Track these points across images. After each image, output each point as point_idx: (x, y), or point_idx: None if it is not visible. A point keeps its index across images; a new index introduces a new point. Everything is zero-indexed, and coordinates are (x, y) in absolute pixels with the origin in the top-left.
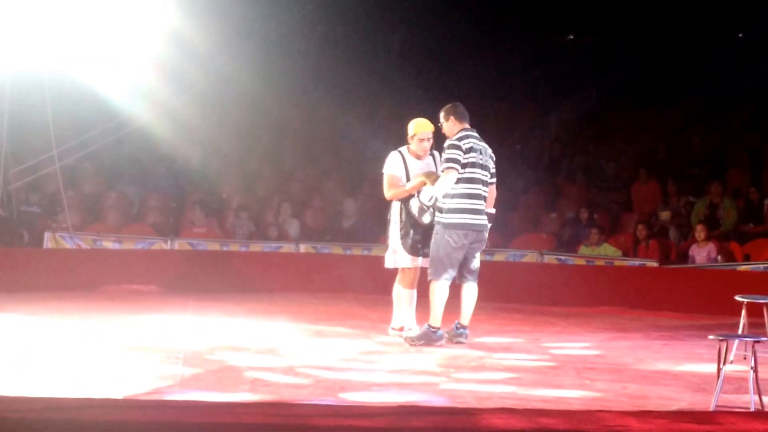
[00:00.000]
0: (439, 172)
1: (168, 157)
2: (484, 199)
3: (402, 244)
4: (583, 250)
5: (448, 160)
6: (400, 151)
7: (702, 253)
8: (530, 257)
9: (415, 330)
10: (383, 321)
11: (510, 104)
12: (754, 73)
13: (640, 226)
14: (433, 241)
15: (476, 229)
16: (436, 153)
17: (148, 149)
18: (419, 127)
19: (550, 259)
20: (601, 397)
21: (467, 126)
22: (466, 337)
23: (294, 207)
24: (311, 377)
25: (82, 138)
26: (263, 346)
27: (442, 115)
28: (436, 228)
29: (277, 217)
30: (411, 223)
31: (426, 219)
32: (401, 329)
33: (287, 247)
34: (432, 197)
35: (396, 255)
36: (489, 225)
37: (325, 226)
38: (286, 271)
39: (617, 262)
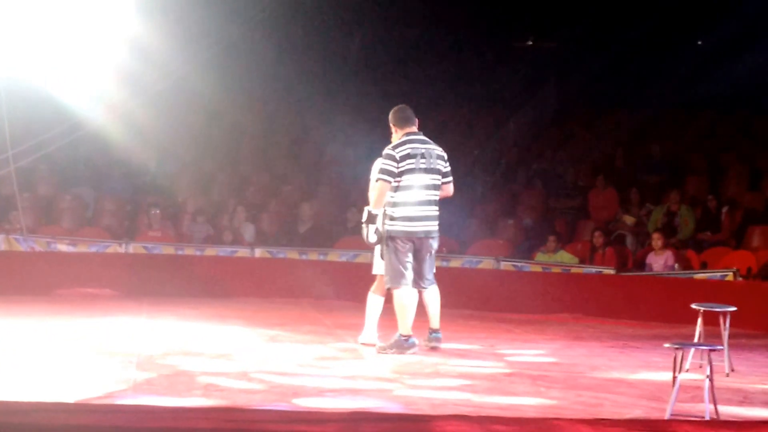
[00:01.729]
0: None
1: (123, 160)
2: (432, 203)
3: (378, 250)
4: (539, 257)
5: (380, 171)
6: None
7: (659, 260)
8: (487, 263)
9: (369, 338)
10: (338, 326)
11: (468, 110)
12: (713, 81)
13: (596, 233)
14: (383, 251)
15: (418, 236)
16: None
17: (104, 152)
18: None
19: (506, 265)
20: (556, 404)
21: (411, 129)
22: (439, 340)
23: (249, 211)
24: (265, 383)
25: (37, 140)
26: (217, 350)
27: (390, 123)
28: (385, 237)
29: (232, 221)
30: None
31: (371, 239)
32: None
33: (242, 252)
34: (365, 213)
35: (377, 261)
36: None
37: (281, 231)
38: (242, 275)
39: (574, 270)
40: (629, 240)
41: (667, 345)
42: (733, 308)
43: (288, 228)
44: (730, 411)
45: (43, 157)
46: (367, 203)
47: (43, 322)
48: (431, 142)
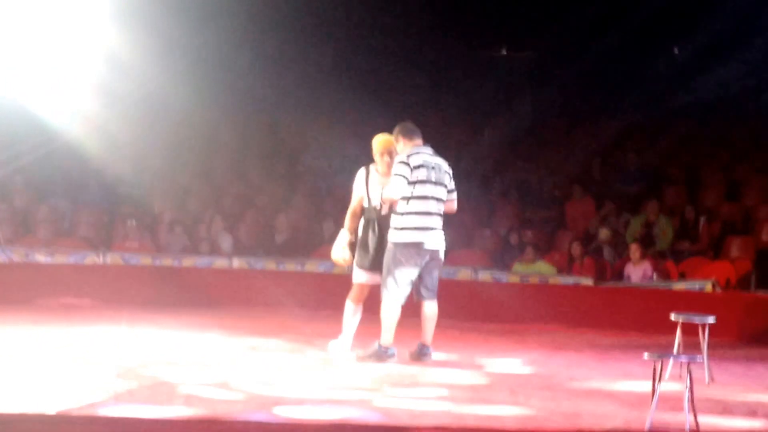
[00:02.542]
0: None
1: (99, 170)
2: (440, 216)
3: (357, 259)
4: (517, 267)
5: (395, 174)
6: (367, 168)
7: (637, 271)
8: (464, 273)
9: (340, 345)
10: (318, 336)
11: (443, 120)
12: (690, 90)
13: (574, 244)
14: (385, 259)
15: (428, 247)
16: None
17: (79, 163)
18: (382, 145)
19: (484, 275)
20: (535, 414)
21: (419, 143)
22: (429, 356)
23: (226, 221)
24: (245, 392)
25: (12, 152)
26: (197, 360)
27: (393, 137)
28: (388, 246)
29: (209, 231)
30: (369, 240)
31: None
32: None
33: (220, 262)
34: (380, 198)
35: (354, 269)
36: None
37: (258, 241)
38: (220, 285)
39: (552, 280)
40: (607, 250)
41: (646, 355)
42: (712, 318)
43: (265, 238)
44: (710, 421)
45: (18, 168)
46: (342, 214)
47: (23, 332)
48: (438, 156)
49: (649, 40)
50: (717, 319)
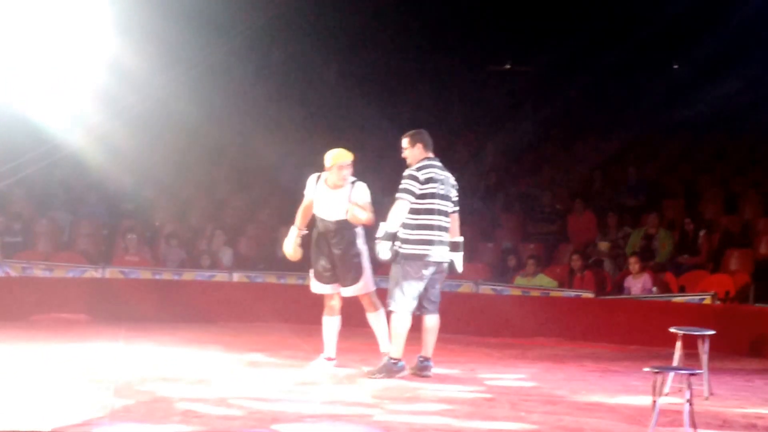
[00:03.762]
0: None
1: (100, 183)
2: (446, 230)
3: (312, 270)
4: (518, 280)
5: (401, 190)
6: (319, 176)
7: (637, 284)
8: (466, 287)
9: (321, 361)
10: (318, 351)
11: (447, 134)
12: (689, 104)
13: (574, 257)
14: (392, 271)
15: (434, 260)
16: (356, 185)
17: (80, 175)
18: (339, 157)
19: (485, 289)
20: (536, 429)
21: (431, 155)
22: (430, 369)
23: (227, 235)
24: (244, 408)
25: (13, 164)
26: (195, 376)
27: (407, 141)
28: (397, 258)
29: (210, 245)
30: (318, 250)
31: (384, 256)
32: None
33: (220, 276)
34: (384, 231)
35: (311, 280)
36: (460, 253)
37: (259, 255)
38: (220, 300)
39: (553, 293)
40: (607, 263)
41: (646, 369)
42: (712, 332)
43: (266, 252)
44: None
45: (18, 180)
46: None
47: (19, 348)
48: (446, 170)
49: (649, 57)
50: (716, 332)
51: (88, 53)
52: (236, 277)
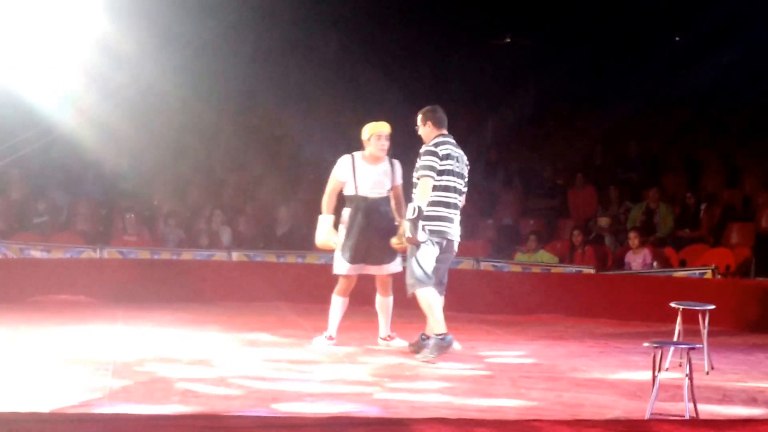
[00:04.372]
0: (414, 179)
1: (96, 162)
2: (459, 208)
3: (342, 249)
4: (519, 257)
5: (424, 167)
6: (352, 155)
7: (637, 259)
8: (466, 264)
9: (324, 340)
10: (317, 330)
11: (447, 108)
12: (690, 77)
13: (575, 232)
14: (409, 250)
15: (450, 238)
16: (395, 162)
17: (77, 155)
18: (375, 127)
19: (486, 266)
20: (537, 405)
21: (444, 132)
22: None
23: (226, 214)
24: (243, 388)
25: (9, 144)
26: (194, 356)
27: (419, 118)
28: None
29: (209, 224)
30: (357, 229)
31: (421, 237)
32: (388, 338)
33: (219, 255)
34: (415, 210)
35: (336, 260)
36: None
37: (258, 234)
38: (219, 279)
39: (554, 269)
40: (608, 239)
41: (646, 344)
42: (712, 306)
43: (265, 231)
44: (709, 409)
45: (15, 161)
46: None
47: (17, 330)
48: (459, 147)
49: (650, 29)
50: (717, 306)
51: (78, 33)
52: (235, 256)
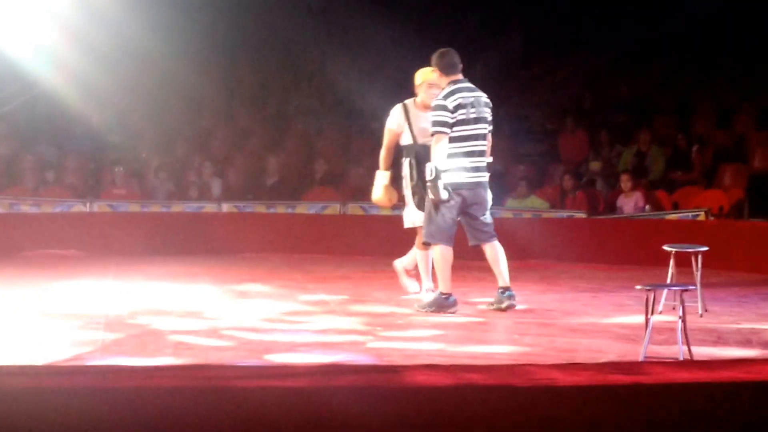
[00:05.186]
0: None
1: (83, 117)
2: (482, 153)
3: (413, 200)
4: (510, 202)
5: (435, 123)
6: (404, 104)
7: (629, 202)
8: None
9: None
10: (309, 281)
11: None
12: (680, 18)
13: (566, 177)
14: (426, 203)
15: (468, 188)
16: None
17: (63, 110)
18: (427, 74)
19: None
20: (530, 351)
21: (457, 77)
22: (513, 298)
23: (215, 165)
24: (235, 339)
25: None
26: (186, 309)
27: (432, 68)
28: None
29: (199, 176)
30: (419, 179)
31: (443, 195)
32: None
33: (209, 207)
34: (432, 170)
35: (408, 214)
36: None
37: (247, 185)
38: (209, 231)
39: (545, 215)
40: (600, 183)
41: (638, 287)
42: (705, 248)
43: (254, 182)
44: (703, 351)
45: (1, 116)
46: (334, 153)
47: (8, 285)
48: (477, 89)
49: None
50: (710, 248)
51: None
52: (225, 207)
